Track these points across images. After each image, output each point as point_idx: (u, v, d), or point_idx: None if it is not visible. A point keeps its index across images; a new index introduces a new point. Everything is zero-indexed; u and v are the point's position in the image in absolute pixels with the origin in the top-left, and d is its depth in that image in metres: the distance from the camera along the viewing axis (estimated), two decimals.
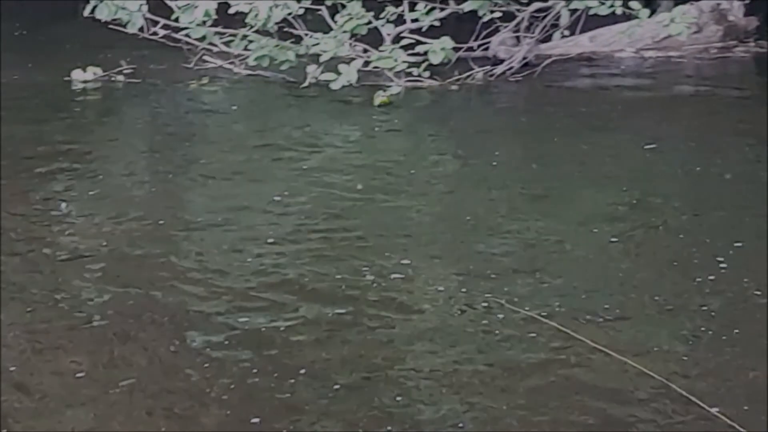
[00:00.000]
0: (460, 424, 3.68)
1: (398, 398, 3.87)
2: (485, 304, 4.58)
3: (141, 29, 9.12)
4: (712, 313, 4.48)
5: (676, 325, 4.42)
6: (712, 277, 4.82)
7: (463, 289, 4.77)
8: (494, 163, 6.71)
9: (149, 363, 4.15)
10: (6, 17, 11.49)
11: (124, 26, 9.15)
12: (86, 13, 8.92)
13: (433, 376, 4.03)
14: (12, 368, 4.11)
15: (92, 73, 9.03)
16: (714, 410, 3.70)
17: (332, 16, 8.99)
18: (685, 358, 4.13)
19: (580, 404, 3.80)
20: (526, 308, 4.51)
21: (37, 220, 5.76)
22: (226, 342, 4.30)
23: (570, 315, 4.47)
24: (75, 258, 5.21)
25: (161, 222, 5.69)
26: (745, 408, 3.74)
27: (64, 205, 6.02)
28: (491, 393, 3.89)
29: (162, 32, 9.15)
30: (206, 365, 4.08)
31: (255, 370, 4.05)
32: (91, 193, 6.23)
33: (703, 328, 4.36)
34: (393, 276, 4.90)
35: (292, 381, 3.98)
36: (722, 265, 4.95)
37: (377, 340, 4.33)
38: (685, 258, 5.08)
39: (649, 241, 5.38)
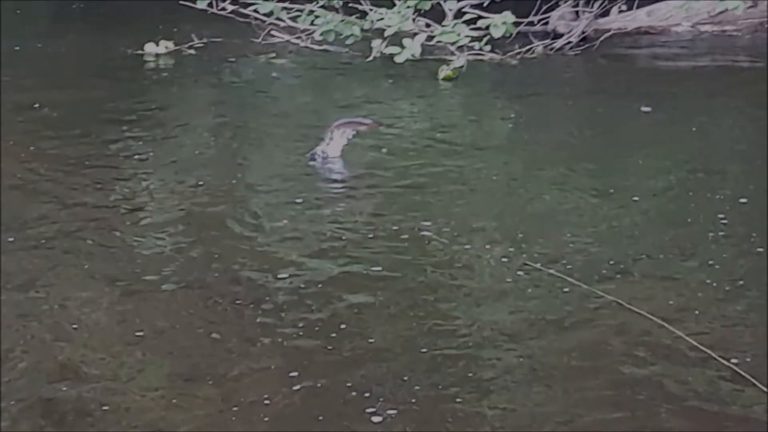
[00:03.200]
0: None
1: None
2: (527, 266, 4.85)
3: (210, 5, 9.47)
4: None
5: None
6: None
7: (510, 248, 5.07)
8: (551, 133, 6.99)
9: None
10: None
11: (194, 2, 9.50)
12: None
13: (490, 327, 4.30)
14: (74, 326, 4.30)
15: (164, 46, 9.34)
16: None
17: None
18: None
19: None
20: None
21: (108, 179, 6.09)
22: (285, 308, 4.47)
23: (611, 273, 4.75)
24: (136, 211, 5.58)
25: (226, 184, 5.99)
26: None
27: None
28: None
29: (230, 8, 9.48)
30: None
31: (301, 327, 4.30)
32: (161, 156, 6.56)
33: None
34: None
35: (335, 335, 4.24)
36: None
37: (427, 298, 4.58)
38: None
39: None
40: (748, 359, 4.00)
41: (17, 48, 9.49)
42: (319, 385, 3.87)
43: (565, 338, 4.21)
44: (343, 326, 4.30)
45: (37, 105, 7.54)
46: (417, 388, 3.85)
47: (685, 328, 4.22)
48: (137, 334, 4.25)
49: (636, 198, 5.72)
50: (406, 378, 3.91)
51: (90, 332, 4.29)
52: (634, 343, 4.17)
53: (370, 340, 4.21)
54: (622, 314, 4.37)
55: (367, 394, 3.80)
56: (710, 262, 4.88)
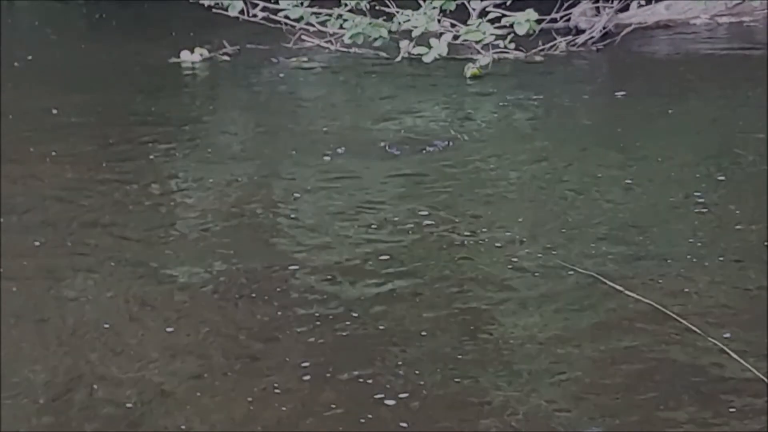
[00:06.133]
0: None
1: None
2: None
3: (241, 12, 9.78)
4: None
5: None
6: None
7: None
8: (578, 125, 7.26)
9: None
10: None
11: (226, 9, 9.81)
12: None
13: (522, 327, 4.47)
14: (106, 325, 4.44)
15: (199, 54, 9.63)
16: None
17: None
18: None
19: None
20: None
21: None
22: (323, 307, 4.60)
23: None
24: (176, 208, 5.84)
25: (259, 183, 6.25)
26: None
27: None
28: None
29: (261, 14, 9.79)
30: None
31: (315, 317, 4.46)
32: (196, 157, 6.81)
33: None
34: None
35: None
36: None
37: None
38: None
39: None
40: None
41: (53, 55, 9.84)
42: (328, 374, 4.01)
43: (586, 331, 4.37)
44: (354, 314, 4.47)
45: (55, 111, 7.79)
46: (428, 374, 3.99)
47: (722, 337, 4.24)
48: (164, 328, 4.43)
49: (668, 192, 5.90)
50: (417, 364, 4.06)
51: (111, 329, 4.44)
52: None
53: (380, 327, 4.37)
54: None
55: (379, 381, 3.93)
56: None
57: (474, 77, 8.76)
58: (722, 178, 6.09)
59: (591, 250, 5.08)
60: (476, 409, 3.81)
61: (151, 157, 6.76)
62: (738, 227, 5.35)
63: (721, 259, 4.97)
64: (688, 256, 4.99)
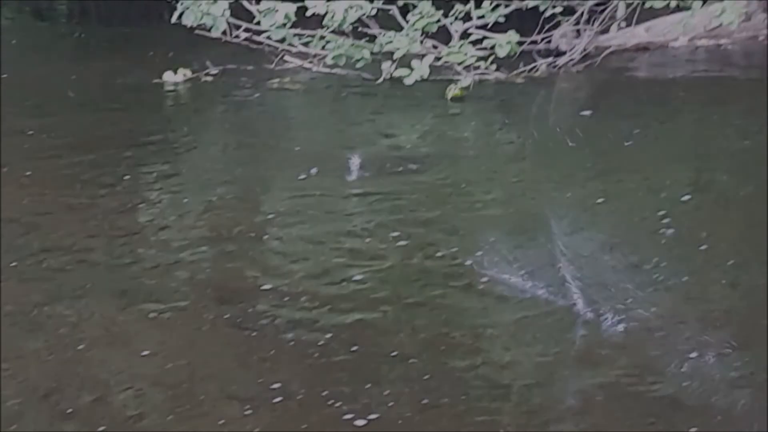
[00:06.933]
0: None
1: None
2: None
3: (224, 33, 9.83)
4: None
5: None
6: None
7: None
8: (555, 146, 7.29)
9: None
10: (101, 19, 12.23)
11: (209, 30, 9.85)
12: (173, 19, 9.60)
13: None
14: (80, 347, 4.48)
15: (182, 74, 9.69)
16: None
17: (403, 15, 9.61)
18: None
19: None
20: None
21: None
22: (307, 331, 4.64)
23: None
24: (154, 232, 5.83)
25: (242, 204, 6.28)
26: None
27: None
28: None
29: (244, 35, 9.84)
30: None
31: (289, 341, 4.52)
32: (173, 179, 6.82)
33: None
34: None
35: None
36: None
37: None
38: None
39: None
40: None
41: (35, 74, 9.87)
42: (299, 396, 4.05)
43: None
44: (326, 337, 4.52)
45: (31, 132, 7.79)
46: (399, 395, 4.04)
47: None
48: (140, 352, 4.46)
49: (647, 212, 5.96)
50: (387, 386, 4.11)
51: (95, 349, 4.49)
52: None
53: (352, 350, 4.41)
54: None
55: (349, 402, 3.98)
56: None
57: (455, 99, 8.83)
58: (689, 197, 6.16)
59: (559, 273, 5.13)
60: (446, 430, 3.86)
61: (126, 178, 6.77)
62: (702, 248, 5.43)
63: (684, 279, 5.05)
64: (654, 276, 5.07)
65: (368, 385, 4.11)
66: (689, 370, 4.19)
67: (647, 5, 9.59)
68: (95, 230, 5.87)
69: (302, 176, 6.69)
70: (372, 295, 4.96)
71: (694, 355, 4.29)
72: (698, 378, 4.13)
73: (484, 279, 5.08)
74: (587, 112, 8.14)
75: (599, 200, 6.17)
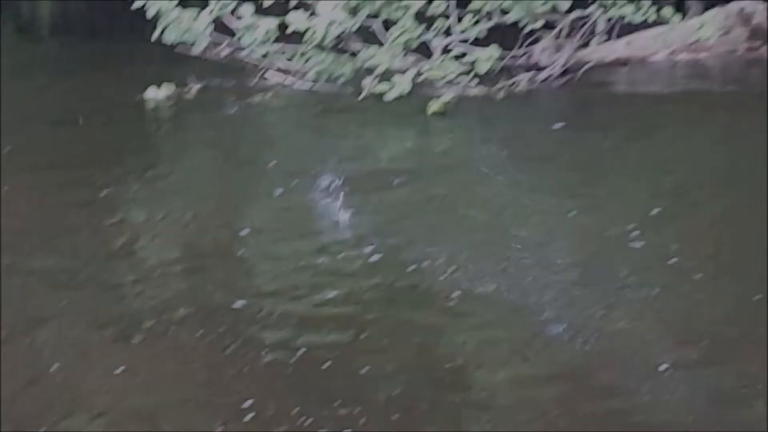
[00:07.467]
0: None
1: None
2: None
3: (205, 49, 9.84)
4: None
5: None
6: None
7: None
8: (533, 160, 7.37)
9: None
10: (85, 35, 12.25)
11: (190, 46, 9.87)
12: (154, 37, 9.59)
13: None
14: (53, 367, 4.45)
15: (165, 91, 9.71)
16: None
17: (386, 30, 9.65)
18: None
19: None
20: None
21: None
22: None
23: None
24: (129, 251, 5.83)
25: (213, 222, 6.29)
26: None
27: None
28: None
29: (226, 51, 9.87)
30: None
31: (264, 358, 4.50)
32: (151, 195, 6.87)
33: None
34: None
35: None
36: None
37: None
38: None
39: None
40: None
41: (14, 89, 9.87)
42: (270, 413, 4.05)
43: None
44: (299, 354, 4.52)
45: (9, 147, 7.74)
46: (370, 412, 4.04)
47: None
48: (113, 371, 4.43)
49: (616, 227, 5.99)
50: (358, 403, 4.11)
51: (66, 369, 4.46)
52: None
53: (323, 368, 4.41)
54: None
55: (320, 419, 3.98)
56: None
57: (436, 114, 8.85)
58: (659, 210, 6.18)
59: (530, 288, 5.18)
60: None
61: (102, 195, 6.76)
62: (671, 261, 5.46)
63: (654, 293, 5.08)
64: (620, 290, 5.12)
65: (339, 402, 4.13)
66: (655, 388, 4.21)
67: (626, 20, 9.63)
68: (70, 249, 5.88)
69: (279, 192, 6.72)
70: (345, 312, 4.97)
71: (661, 371, 4.32)
72: (666, 395, 4.16)
73: (456, 294, 5.09)
74: (560, 125, 8.18)
75: (571, 213, 6.22)
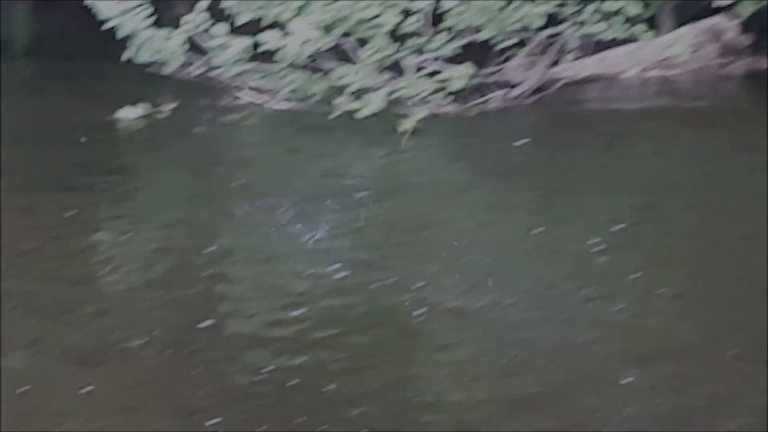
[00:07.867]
0: None
1: None
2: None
3: (178, 68, 9.84)
4: None
5: None
6: None
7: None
8: (503, 178, 7.41)
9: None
10: (59, 55, 12.20)
11: (163, 66, 9.86)
12: (125, 57, 9.58)
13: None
14: (24, 389, 4.47)
15: (138, 110, 9.69)
16: None
17: (360, 46, 9.66)
18: None
19: None
20: None
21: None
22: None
23: None
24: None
25: (184, 241, 6.32)
26: None
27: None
28: None
29: (199, 71, 9.87)
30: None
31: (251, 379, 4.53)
32: (121, 214, 6.87)
33: None
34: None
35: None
36: None
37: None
38: None
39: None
40: None
41: None
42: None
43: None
44: (265, 372, 4.55)
45: None
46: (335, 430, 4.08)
47: None
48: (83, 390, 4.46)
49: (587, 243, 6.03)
50: (324, 422, 4.14)
51: (35, 390, 4.49)
52: None
53: (289, 384, 4.45)
54: None
55: None
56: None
57: (408, 132, 8.86)
58: (623, 226, 6.22)
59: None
60: None
61: (70, 214, 6.74)
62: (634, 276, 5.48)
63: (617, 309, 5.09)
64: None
65: (303, 419, 4.12)
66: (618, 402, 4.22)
67: (596, 38, 9.68)
68: (39, 273, 5.86)
69: (246, 212, 6.72)
70: (311, 331, 4.98)
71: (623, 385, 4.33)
72: (627, 409, 4.17)
73: (423, 311, 5.10)
74: (524, 141, 8.19)
75: (538, 230, 6.24)
